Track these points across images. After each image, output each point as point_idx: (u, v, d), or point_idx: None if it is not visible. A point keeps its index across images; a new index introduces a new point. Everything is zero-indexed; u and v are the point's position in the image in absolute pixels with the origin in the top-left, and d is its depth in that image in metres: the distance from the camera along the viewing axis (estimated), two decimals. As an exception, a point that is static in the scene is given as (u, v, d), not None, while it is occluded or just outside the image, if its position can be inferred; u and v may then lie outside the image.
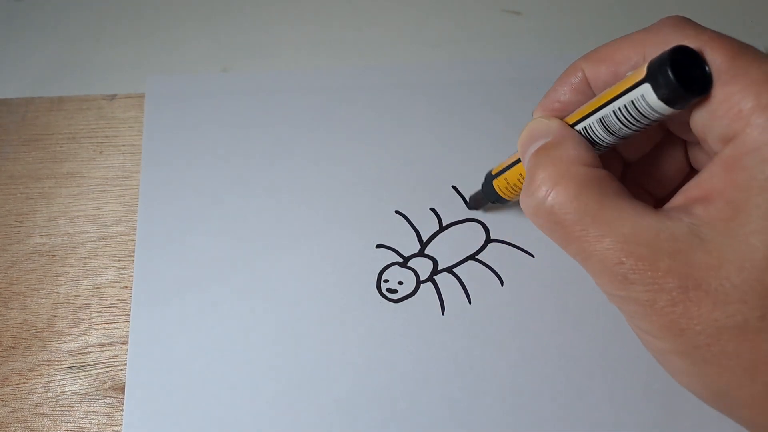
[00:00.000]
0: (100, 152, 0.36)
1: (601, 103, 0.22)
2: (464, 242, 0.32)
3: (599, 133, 0.23)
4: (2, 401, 0.29)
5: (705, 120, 0.20)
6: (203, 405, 0.29)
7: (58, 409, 0.29)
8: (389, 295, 0.31)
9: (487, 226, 0.33)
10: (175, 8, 0.42)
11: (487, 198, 0.30)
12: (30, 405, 0.29)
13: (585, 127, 0.23)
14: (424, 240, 0.32)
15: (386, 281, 0.31)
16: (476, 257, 0.32)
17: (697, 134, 0.22)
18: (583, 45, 0.40)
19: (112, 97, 0.37)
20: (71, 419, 0.29)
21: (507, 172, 0.27)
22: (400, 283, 0.31)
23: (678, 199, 0.21)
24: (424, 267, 0.32)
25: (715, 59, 0.20)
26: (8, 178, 0.35)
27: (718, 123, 0.20)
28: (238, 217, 0.33)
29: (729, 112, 0.19)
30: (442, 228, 0.33)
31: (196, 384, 0.29)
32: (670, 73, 0.19)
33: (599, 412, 0.28)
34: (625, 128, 0.22)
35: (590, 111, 0.23)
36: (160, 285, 0.31)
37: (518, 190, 0.28)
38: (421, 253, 0.32)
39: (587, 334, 0.30)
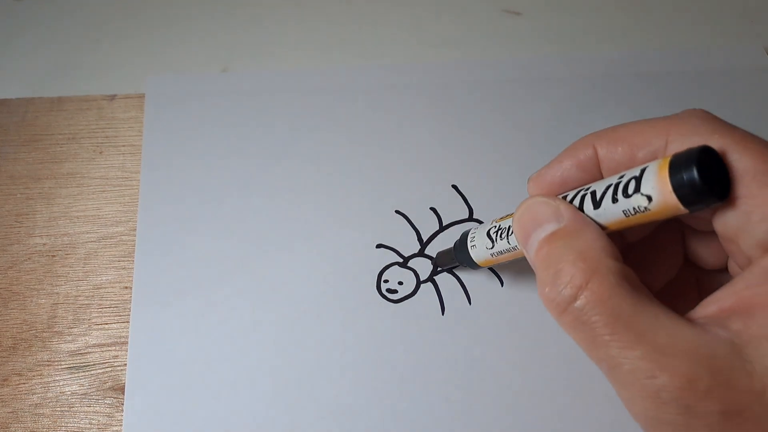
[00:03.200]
0: (100, 152, 0.36)
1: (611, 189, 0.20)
2: (464, 242, 0.32)
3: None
4: (2, 401, 0.29)
5: (737, 222, 0.19)
6: (203, 405, 0.29)
7: (58, 409, 0.29)
8: (389, 296, 0.31)
9: (487, 226, 0.33)
10: (175, 8, 0.42)
11: (461, 263, 0.29)
12: (30, 405, 0.29)
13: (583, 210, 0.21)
14: (424, 240, 0.32)
15: (386, 281, 0.31)
16: (476, 257, 0.32)
17: (723, 234, 0.20)
18: (583, 45, 0.40)
19: (112, 97, 0.37)
20: (71, 419, 0.29)
21: (497, 245, 0.25)
22: (400, 283, 0.31)
23: (709, 309, 0.19)
24: (424, 267, 0.32)
25: (744, 160, 0.18)
26: (8, 178, 0.35)
27: (756, 228, 0.18)
28: (237, 217, 0.33)
29: None
30: (442, 228, 0.33)
31: (196, 384, 0.29)
32: (695, 174, 0.17)
33: (599, 412, 0.28)
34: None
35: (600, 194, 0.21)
36: (160, 285, 0.31)
37: (499, 262, 0.27)
38: (421, 253, 0.32)
39: (587, 334, 0.30)
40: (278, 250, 0.32)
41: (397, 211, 0.33)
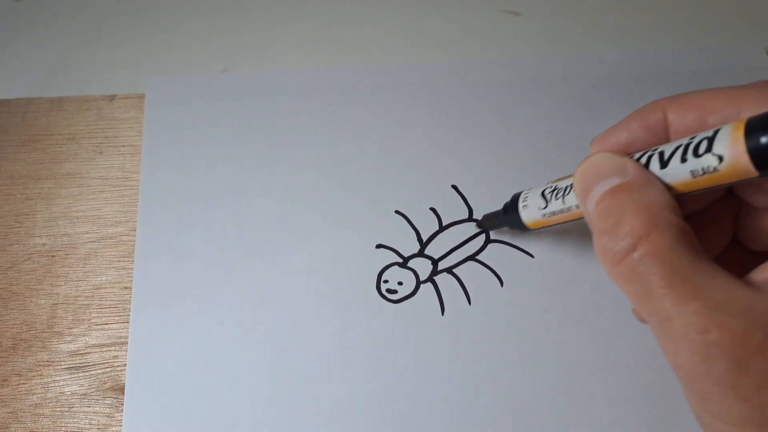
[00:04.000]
0: (100, 153, 0.36)
1: (680, 151, 0.20)
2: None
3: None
4: (2, 402, 0.29)
5: None
6: (203, 405, 0.29)
7: (58, 409, 0.29)
8: (389, 296, 0.31)
9: (487, 226, 0.33)
10: (175, 8, 0.42)
11: (509, 225, 0.29)
12: (30, 405, 0.29)
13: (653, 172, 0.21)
14: (424, 240, 0.32)
15: (386, 282, 0.31)
16: (476, 257, 0.32)
17: None
18: (583, 45, 0.40)
19: (112, 97, 0.37)
20: (71, 420, 0.29)
21: (551, 206, 0.26)
22: (400, 283, 0.31)
23: (766, 274, 0.19)
24: (423, 267, 0.32)
25: None
26: (8, 178, 0.35)
27: None
28: (237, 218, 0.33)
29: None
30: (442, 228, 0.33)
31: (196, 384, 0.29)
32: None
33: (599, 413, 0.28)
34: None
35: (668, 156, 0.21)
36: (160, 285, 0.31)
37: (550, 224, 0.27)
38: (420, 254, 0.32)
39: (587, 334, 0.30)
40: (278, 250, 0.32)
41: (397, 211, 0.33)
